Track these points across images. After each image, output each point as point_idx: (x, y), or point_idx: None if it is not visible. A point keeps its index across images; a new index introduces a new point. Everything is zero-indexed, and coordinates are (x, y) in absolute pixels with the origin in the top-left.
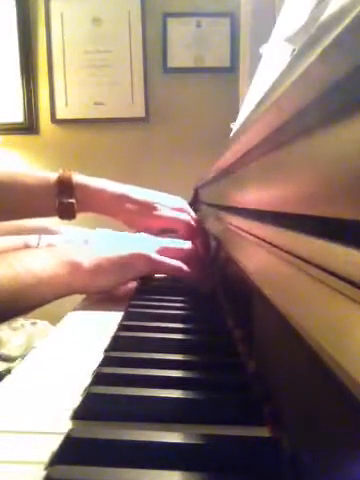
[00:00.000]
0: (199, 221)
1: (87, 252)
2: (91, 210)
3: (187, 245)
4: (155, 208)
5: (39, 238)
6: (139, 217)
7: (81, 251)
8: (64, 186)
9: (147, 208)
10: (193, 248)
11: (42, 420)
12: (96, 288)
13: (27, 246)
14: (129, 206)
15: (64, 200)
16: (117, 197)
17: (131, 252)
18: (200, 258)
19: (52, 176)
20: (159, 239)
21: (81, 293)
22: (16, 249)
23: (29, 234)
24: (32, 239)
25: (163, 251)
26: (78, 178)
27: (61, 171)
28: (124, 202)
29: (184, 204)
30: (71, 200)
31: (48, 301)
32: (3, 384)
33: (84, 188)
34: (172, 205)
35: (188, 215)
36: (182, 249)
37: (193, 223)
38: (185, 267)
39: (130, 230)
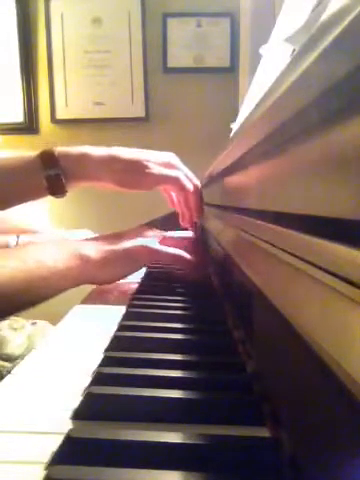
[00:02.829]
0: (197, 187)
1: (93, 245)
2: (80, 179)
3: (188, 235)
4: (145, 166)
5: (17, 238)
6: (130, 176)
7: (88, 244)
8: (47, 158)
9: (137, 166)
10: (193, 238)
11: (42, 420)
12: (103, 279)
13: (6, 246)
14: (118, 166)
15: (50, 172)
16: (104, 159)
17: (134, 244)
18: (199, 247)
19: (34, 153)
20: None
21: (89, 283)
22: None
23: (8, 233)
24: (10, 239)
25: (164, 241)
26: (60, 149)
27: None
28: (112, 163)
29: (173, 158)
30: (57, 171)
31: (58, 293)
32: (4, 384)
33: (67, 156)
34: (161, 160)
35: (180, 171)
36: (183, 239)
37: (183, 180)
38: (187, 255)
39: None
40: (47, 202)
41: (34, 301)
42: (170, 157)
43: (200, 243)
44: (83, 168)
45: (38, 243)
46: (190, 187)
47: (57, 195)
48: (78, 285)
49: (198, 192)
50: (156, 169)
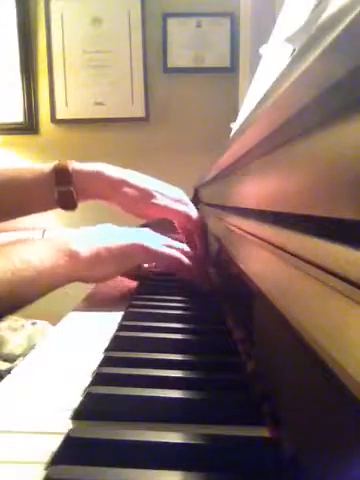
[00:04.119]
0: (201, 218)
1: (85, 241)
2: (90, 196)
3: (186, 247)
4: (154, 196)
5: (43, 233)
6: (136, 203)
7: (79, 240)
8: (61, 174)
9: (145, 195)
10: (193, 249)
11: (42, 420)
12: (95, 277)
13: None
14: (127, 190)
15: (63, 188)
16: (115, 181)
17: (130, 241)
18: (199, 257)
19: (48, 167)
20: (161, 236)
21: (80, 281)
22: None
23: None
24: (36, 235)
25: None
26: (74, 165)
27: (57, 161)
28: (122, 186)
29: (183, 195)
30: (70, 188)
31: (47, 292)
32: (3, 384)
33: (81, 173)
34: (171, 195)
35: (187, 207)
36: (182, 248)
37: (191, 215)
38: (185, 259)
39: (127, 216)
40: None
41: (21, 302)
42: (180, 193)
43: (204, 255)
44: (94, 187)
45: (26, 240)
46: (194, 223)
47: (67, 209)
48: (68, 283)
49: (202, 229)
50: (163, 201)
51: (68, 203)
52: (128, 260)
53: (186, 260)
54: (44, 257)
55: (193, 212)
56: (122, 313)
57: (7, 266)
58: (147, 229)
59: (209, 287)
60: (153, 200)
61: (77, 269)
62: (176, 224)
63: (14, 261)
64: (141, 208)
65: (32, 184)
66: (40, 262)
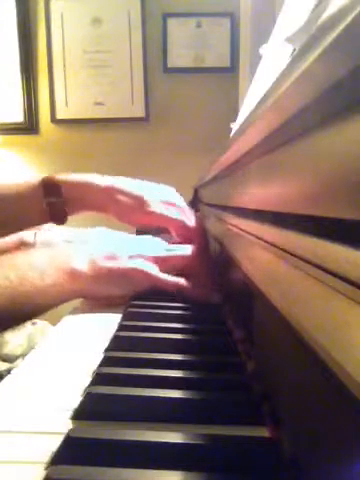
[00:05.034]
0: (198, 224)
1: (86, 255)
2: (82, 207)
3: (189, 250)
4: (147, 203)
5: (35, 234)
6: (130, 211)
7: (80, 255)
8: (49, 185)
9: (139, 203)
10: (195, 253)
11: (42, 420)
12: (94, 295)
13: (23, 242)
14: (121, 199)
15: (52, 200)
16: (106, 189)
17: (132, 266)
18: (203, 264)
19: (36, 179)
20: (162, 242)
21: (81, 298)
22: (12, 246)
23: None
24: (28, 235)
25: (164, 261)
26: (62, 176)
27: (44, 175)
28: (114, 194)
29: (175, 196)
30: (59, 199)
31: (47, 309)
32: (3, 384)
33: (69, 184)
34: (164, 198)
35: (180, 211)
36: (184, 256)
37: (186, 222)
38: (185, 283)
39: (123, 226)
40: None
41: (20, 318)
42: (172, 193)
43: (204, 257)
44: (85, 197)
45: (27, 254)
46: (191, 230)
47: (57, 221)
48: (68, 301)
49: (200, 234)
50: (158, 209)
51: (59, 215)
52: (127, 283)
53: (186, 283)
54: (45, 275)
55: (189, 217)
56: (122, 313)
57: (4, 284)
58: (149, 236)
59: (212, 296)
60: (148, 208)
61: (78, 287)
62: (173, 232)
63: (12, 278)
64: (136, 217)
65: (21, 198)
66: (40, 279)
